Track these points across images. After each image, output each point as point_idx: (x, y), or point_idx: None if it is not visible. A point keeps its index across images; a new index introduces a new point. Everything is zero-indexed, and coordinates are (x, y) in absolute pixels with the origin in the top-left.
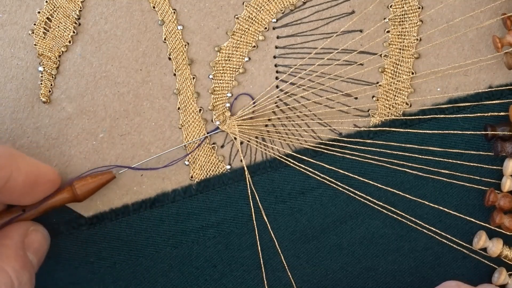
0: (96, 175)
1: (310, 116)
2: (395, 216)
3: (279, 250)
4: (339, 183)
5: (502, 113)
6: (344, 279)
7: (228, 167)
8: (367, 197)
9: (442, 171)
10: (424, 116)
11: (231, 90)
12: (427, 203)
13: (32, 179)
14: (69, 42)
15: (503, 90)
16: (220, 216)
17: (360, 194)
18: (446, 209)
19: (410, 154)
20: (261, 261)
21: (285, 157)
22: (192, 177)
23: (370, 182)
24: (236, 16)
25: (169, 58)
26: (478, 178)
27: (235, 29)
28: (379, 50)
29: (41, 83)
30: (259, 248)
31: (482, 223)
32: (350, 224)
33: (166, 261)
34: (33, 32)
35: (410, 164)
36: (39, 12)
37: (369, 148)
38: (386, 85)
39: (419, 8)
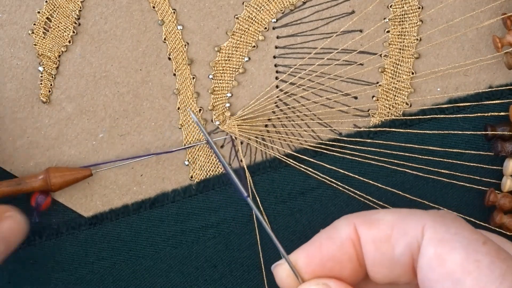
0: (73, 169)
1: (310, 116)
2: None
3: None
4: (339, 183)
5: (502, 113)
6: None
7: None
8: (367, 197)
9: (442, 171)
10: (424, 116)
11: (231, 90)
12: (427, 203)
13: None
14: (69, 42)
15: (503, 90)
16: (220, 216)
17: (360, 194)
18: (446, 209)
19: (410, 154)
20: (261, 261)
21: (285, 157)
22: (192, 177)
23: (370, 182)
24: (236, 16)
25: (169, 58)
26: (478, 178)
27: (235, 29)
28: (379, 50)
29: (41, 83)
30: (259, 248)
31: (482, 223)
32: None
33: (166, 261)
34: (33, 32)
35: (410, 164)
36: (38, 12)
37: (369, 148)
38: (386, 85)
39: (419, 8)
